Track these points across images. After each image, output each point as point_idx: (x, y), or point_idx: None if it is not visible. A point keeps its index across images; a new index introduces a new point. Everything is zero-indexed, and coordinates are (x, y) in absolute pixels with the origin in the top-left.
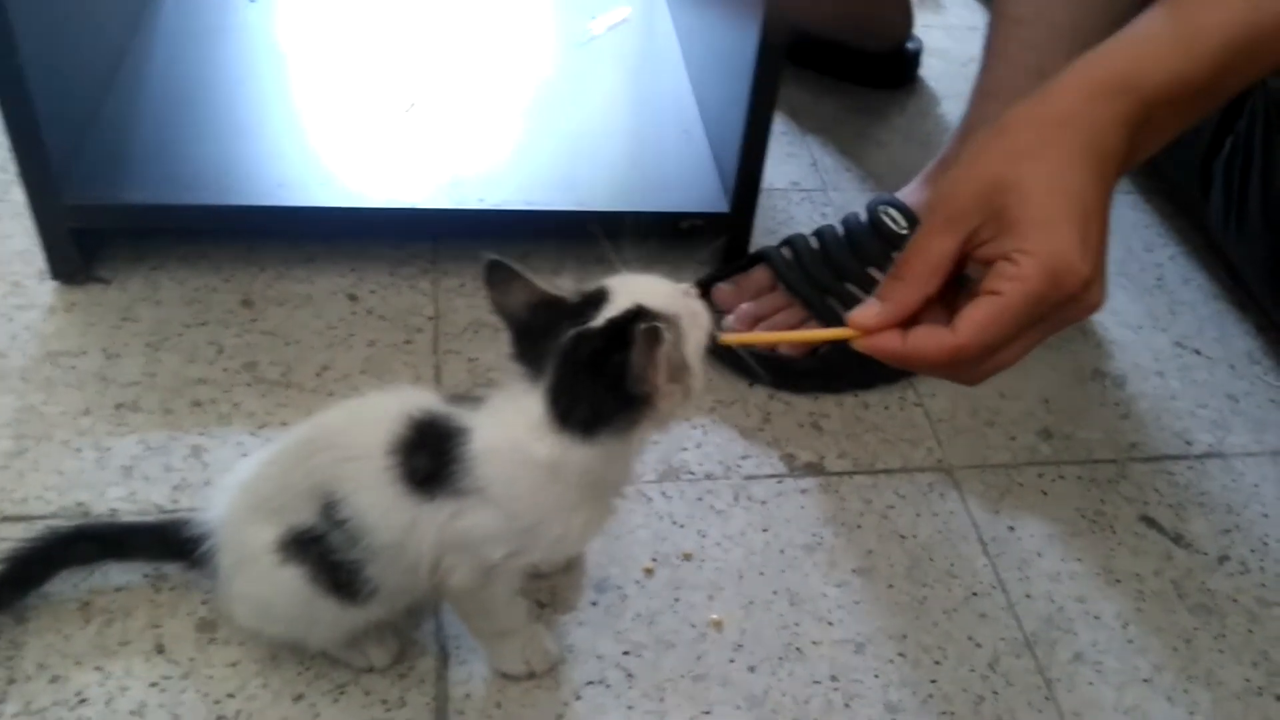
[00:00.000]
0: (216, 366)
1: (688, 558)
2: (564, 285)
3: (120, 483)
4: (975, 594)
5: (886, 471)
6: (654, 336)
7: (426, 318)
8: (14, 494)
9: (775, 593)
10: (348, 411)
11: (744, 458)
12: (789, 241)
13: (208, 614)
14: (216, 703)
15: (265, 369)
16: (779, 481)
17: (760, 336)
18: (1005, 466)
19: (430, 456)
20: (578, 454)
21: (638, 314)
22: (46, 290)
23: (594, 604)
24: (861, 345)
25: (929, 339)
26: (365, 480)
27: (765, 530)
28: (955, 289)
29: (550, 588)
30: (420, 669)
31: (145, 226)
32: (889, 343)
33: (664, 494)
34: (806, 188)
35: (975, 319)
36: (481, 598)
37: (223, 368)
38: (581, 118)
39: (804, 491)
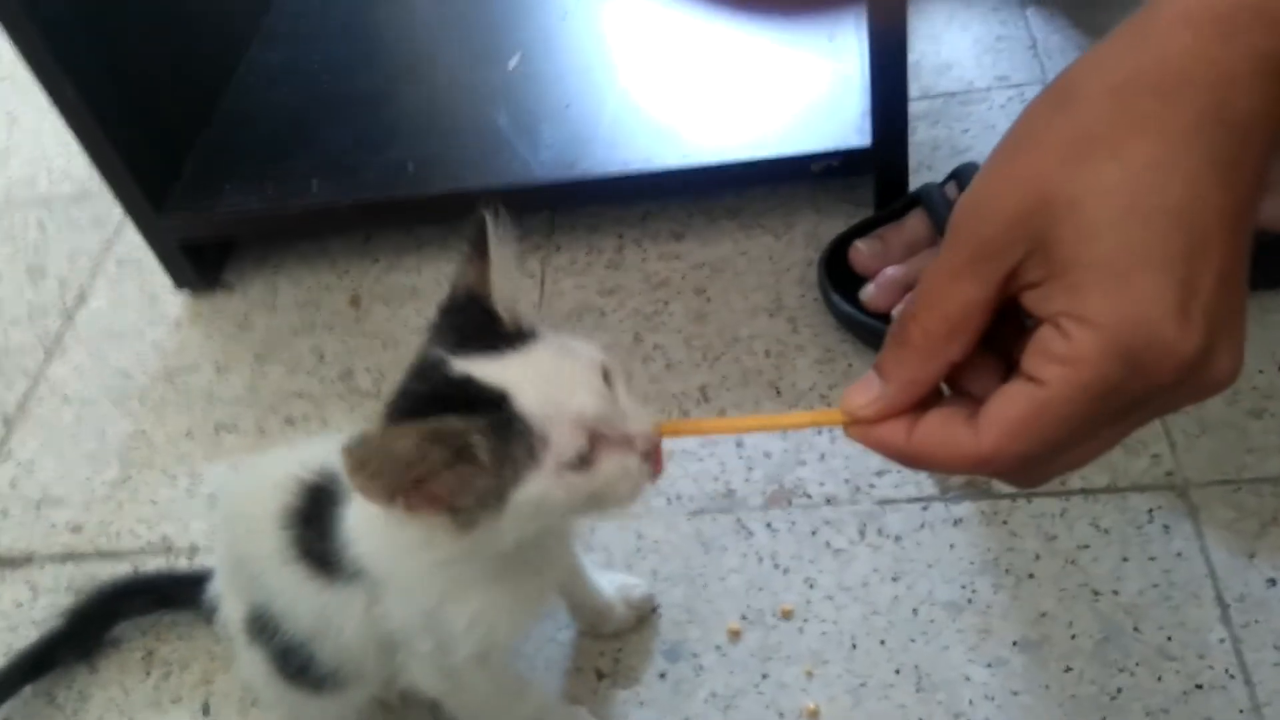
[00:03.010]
0: (315, 377)
1: (787, 616)
2: (523, 300)
3: (204, 514)
4: (1200, 686)
5: (1085, 492)
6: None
7: (529, 305)
8: (110, 527)
9: (898, 672)
10: (253, 470)
11: (880, 474)
12: (959, 174)
13: None
14: None
15: (360, 377)
16: (924, 508)
17: (700, 424)
18: (1276, 482)
19: (323, 530)
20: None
21: (475, 398)
22: (177, 302)
23: (661, 676)
24: (855, 436)
25: (941, 440)
26: (267, 558)
27: (896, 579)
28: (1018, 322)
29: (615, 651)
30: None
31: (251, 233)
32: (889, 436)
33: (769, 525)
34: (1018, 82)
35: (1007, 419)
36: (466, 700)
37: (320, 378)
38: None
39: (957, 523)
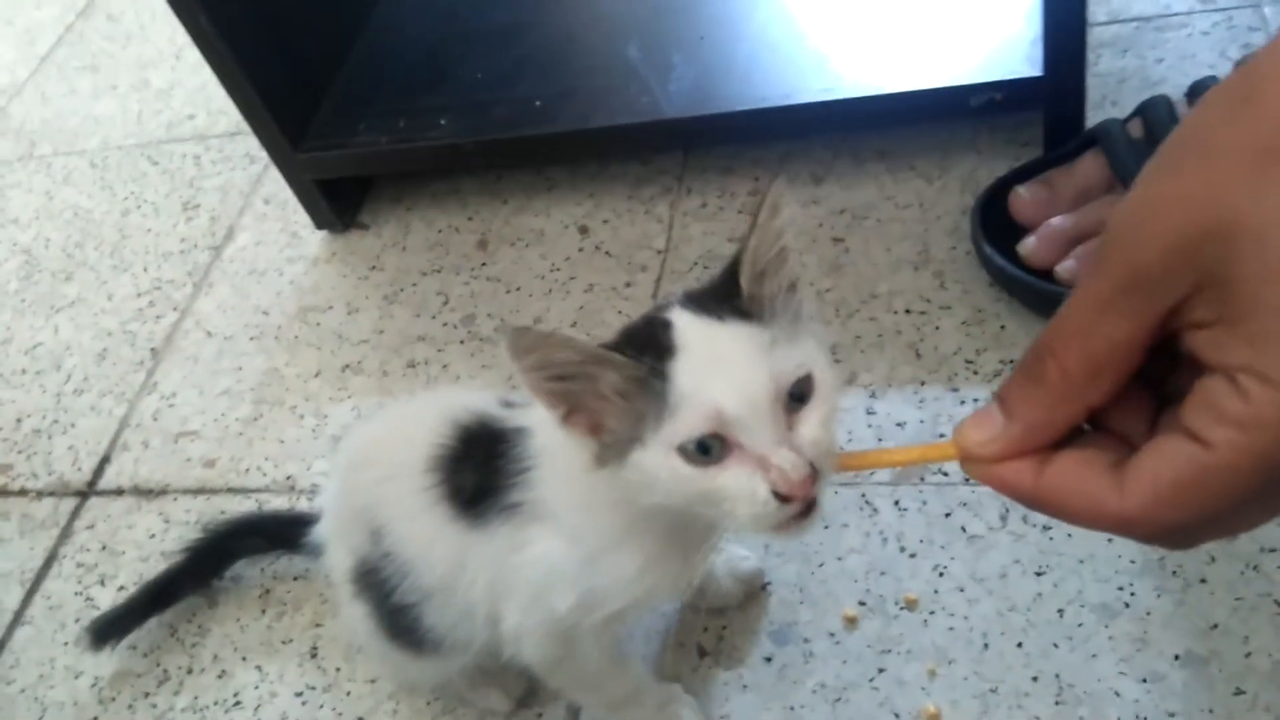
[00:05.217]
0: (438, 321)
1: (911, 606)
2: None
3: (327, 454)
4: None
5: None
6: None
7: (655, 251)
8: (240, 464)
9: (1036, 679)
10: (391, 417)
11: None
12: (1145, 109)
13: None
14: None
15: (481, 323)
16: None
17: (866, 457)
18: None
19: (479, 469)
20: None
21: (659, 346)
22: (315, 241)
23: (767, 660)
24: (972, 474)
25: (1076, 489)
26: (403, 504)
27: (1040, 574)
28: (1174, 356)
29: (720, 628)
30: (549, 717)
31: (382, 171)
32: (1013, 477)
33: (897, 504)
34: (1226, 6)
35: (1160, 481)
36: (570, 670)
37: (444, 321)
38: None
39: None
